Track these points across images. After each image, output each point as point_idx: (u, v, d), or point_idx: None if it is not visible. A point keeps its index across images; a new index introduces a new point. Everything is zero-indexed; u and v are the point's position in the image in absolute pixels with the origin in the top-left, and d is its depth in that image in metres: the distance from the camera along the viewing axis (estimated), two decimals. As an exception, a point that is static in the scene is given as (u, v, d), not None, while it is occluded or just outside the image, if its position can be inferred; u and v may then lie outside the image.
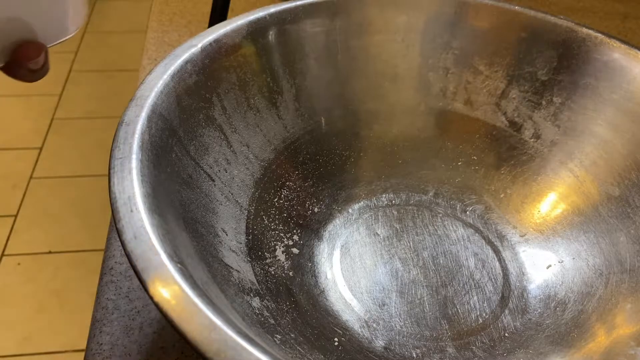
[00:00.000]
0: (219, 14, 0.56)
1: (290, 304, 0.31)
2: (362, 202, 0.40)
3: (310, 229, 0.37)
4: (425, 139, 0.42)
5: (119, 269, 0.37)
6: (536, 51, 0.40)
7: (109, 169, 0.25)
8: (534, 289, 0.35)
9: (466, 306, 0.33)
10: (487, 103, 0.41)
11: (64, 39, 0.29)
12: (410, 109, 0.42)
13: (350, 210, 0.39)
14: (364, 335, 0.32)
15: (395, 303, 0.33)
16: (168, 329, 0.33)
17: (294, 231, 0.36)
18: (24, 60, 0.27)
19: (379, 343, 0.31)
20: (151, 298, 0.20)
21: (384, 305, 0.33)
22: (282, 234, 0.35)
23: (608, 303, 0.32)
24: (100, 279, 0.36)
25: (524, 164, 0.40)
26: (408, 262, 0.36)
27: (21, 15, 0.26)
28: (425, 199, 0.40)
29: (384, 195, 0.40)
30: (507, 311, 0.33)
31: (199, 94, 0.33)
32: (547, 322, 0.33)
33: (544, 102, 0.40)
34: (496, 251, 0.37)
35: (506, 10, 0.41)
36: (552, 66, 0.40)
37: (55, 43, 0.29)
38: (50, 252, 1.17)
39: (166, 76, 0.30)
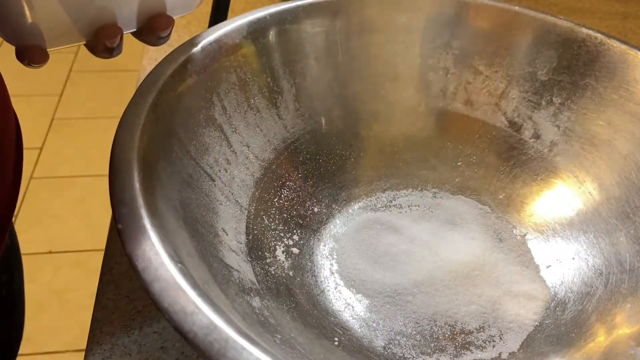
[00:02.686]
0: (219, 14, 0.56)
1: (290, 304, 0.31)
2: (362, 202, 0.40)
3: (310, 228, 0.37)
4: (425, 139, 0.42)
5: (119, 269, 0.37)
6: (536, 51, 0.40)
7: (110, 169, 0.25)
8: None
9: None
10: (487, 103, 0.41)
11: (187, 13, 0.34)
12: (410, 109, 0.42)
13: (350, 210, 0.39)
14: (364, 335, 0.32)
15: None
16: (168, 328, 0.33)
17: (294, 231, 0.36)
18: (157, 28, 0.32)
19: (379, 343, 0.31)
20: (152, 298, 0.21)
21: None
22: (282, 234, 0.35)
23: (608, 303, 0.32)
24: (100, 279, 0.36)
25: (524, 164, 0.40)
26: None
27: None
28: (425, 199, 0.40)
29: (384, 195, 0.40)
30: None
31: (199, 94, 0.33)
32: (547, 322, 0.33)
33: (543, 103, 0.40)
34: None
35: (506, 10, 0.41)
36: (552, 66, 0.40)
37: (179, 15, 0.34)
38: (50, 252, 1.17)
39: (166, 76, 0.30)
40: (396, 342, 0.31)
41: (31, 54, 0.28)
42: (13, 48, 0.29)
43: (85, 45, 0.32)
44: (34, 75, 1.62)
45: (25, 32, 0.28)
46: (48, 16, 0.28)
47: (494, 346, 0.32)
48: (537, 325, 0.32)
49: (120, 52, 0.32)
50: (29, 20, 0.28)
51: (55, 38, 0.29)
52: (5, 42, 0.29)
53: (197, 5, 0.34)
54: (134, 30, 0.32)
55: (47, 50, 0.29)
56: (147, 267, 0.21)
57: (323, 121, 0.40)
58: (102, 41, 0.30)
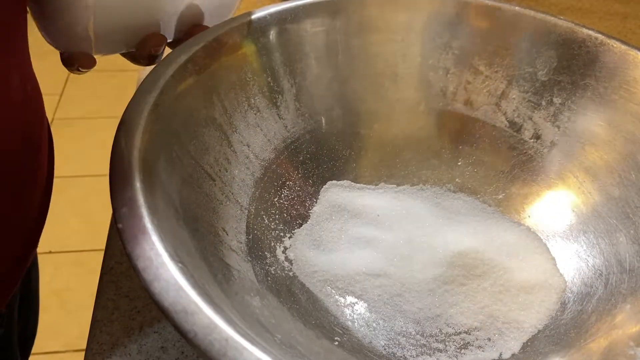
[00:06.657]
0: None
1: (290, 304, 0.31)
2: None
3: (311, 228, 0.37)
4: (425, 139, 0.42)
5: (119, 268, 0.37)
6: (536, 51, 0.40)
7: (110, 169, 0.25)
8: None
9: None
10: (487, 103, 0.41)
11: (220, 22, 0.36)
12: (410, 109, 0.42)
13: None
14: (364, 335, 0.32)
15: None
16: (168, 328, 0.33)
17: (295, 231, 0.36)
18: None
19: (379, 343, 0.31)
20: (152, 297, 0.21)
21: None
22: (282, 234, 0.35)
23: (608, 303, 0.32)
24: (100, 279, 0.36)
25: (523, 164, 0.40)
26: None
27: (199, 3, 0.34)
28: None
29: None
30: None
31: (199, 94, 0.33)
32: (547, 322, 0.33)
33: (543, 103, 0.40)
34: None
35: (506, 10, 0.41)
36: (552, 66, 0.40)
37: (214, 24, 0.35)
38: (50, 252, 1.17)
39: (167, 76, 0.30)
40: (396, 342, 0.31)
41: (82, 60, 0.29)
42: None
43: (124, 54, 0.32)
44: (33, 75, 1.61)
45: (78, 40, 0.29)
46: (102, 26, 0.29)
47: (494, 346, 0.32)
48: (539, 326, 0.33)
49: (160, 59, 0.32)
50: (83, 29, 0.28)
51: (103, 46, 0.30)
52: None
53: (231, 16, 0.36)
54: (171, 40, 0.33)
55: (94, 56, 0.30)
56: (148, 267, 0.21)
57: (323, 121, 0.40)
58: (148, 49, 0.31)
